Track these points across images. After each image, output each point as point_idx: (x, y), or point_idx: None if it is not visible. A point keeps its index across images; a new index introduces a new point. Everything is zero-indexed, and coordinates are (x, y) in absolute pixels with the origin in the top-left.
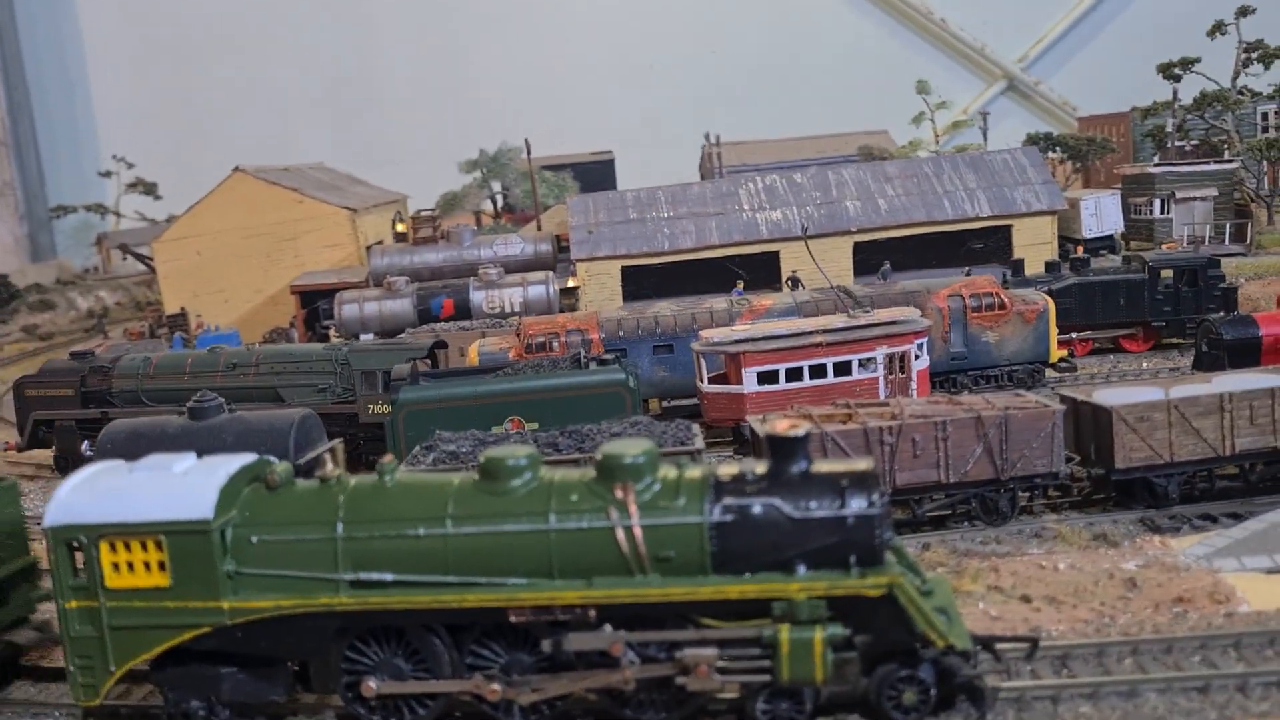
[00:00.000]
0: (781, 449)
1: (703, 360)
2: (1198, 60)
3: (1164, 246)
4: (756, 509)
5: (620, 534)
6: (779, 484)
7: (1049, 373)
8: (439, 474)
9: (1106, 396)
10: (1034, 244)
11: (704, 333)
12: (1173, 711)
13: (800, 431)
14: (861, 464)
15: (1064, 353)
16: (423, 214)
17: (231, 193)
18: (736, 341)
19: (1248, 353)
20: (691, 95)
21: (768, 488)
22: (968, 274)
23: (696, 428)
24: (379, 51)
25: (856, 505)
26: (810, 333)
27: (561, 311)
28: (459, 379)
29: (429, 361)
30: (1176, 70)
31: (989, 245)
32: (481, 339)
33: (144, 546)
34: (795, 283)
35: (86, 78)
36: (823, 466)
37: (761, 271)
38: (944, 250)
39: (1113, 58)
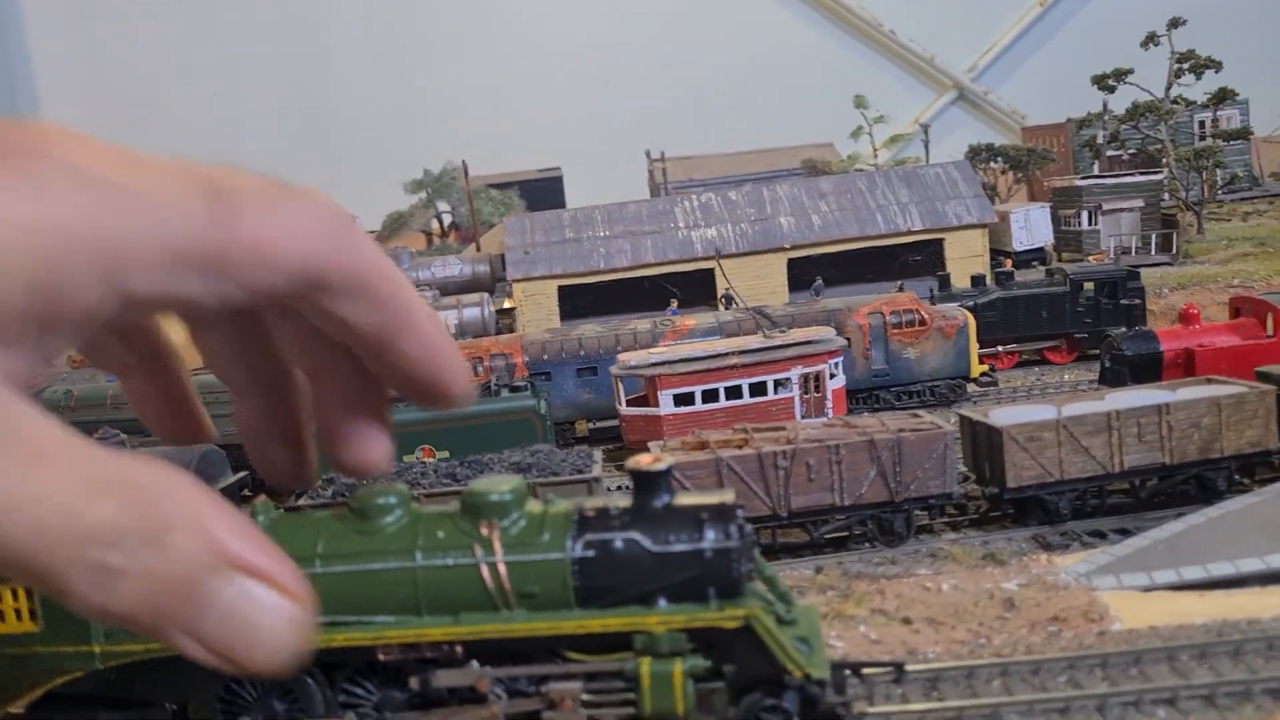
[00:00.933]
0: (644, 483)
1: (620, 384)
2: (1130, 71)
3: (1091, 258)
4: (618, 544)
5: (485, 571)
6: (640, 519)
7: (970, 387)
8: (314, 514)
9: (999, 416)
10: (965, 257)
11: (621, 356)
12: None
13: (662, 466)
14: (722, 497)
15: (985, 367)
16: None
17: None
18: (653, 365)
19: (1149, 368)
20: (644, 110)
21: (629, 522)
22: (900, 288)
23: (597, 454)
24: (330, 73)
25: (714, 538)
26: (726, 354)
27: (500, 332)
28: None
29: None
30: (1110, 82)
31: (924, 259)
32: None
33: (14, 595)
34: (729, 300)
35: (36, 103)
36: (684, 500)
37: (697, 289)
38: (878, 264)
39: (1061, 66)
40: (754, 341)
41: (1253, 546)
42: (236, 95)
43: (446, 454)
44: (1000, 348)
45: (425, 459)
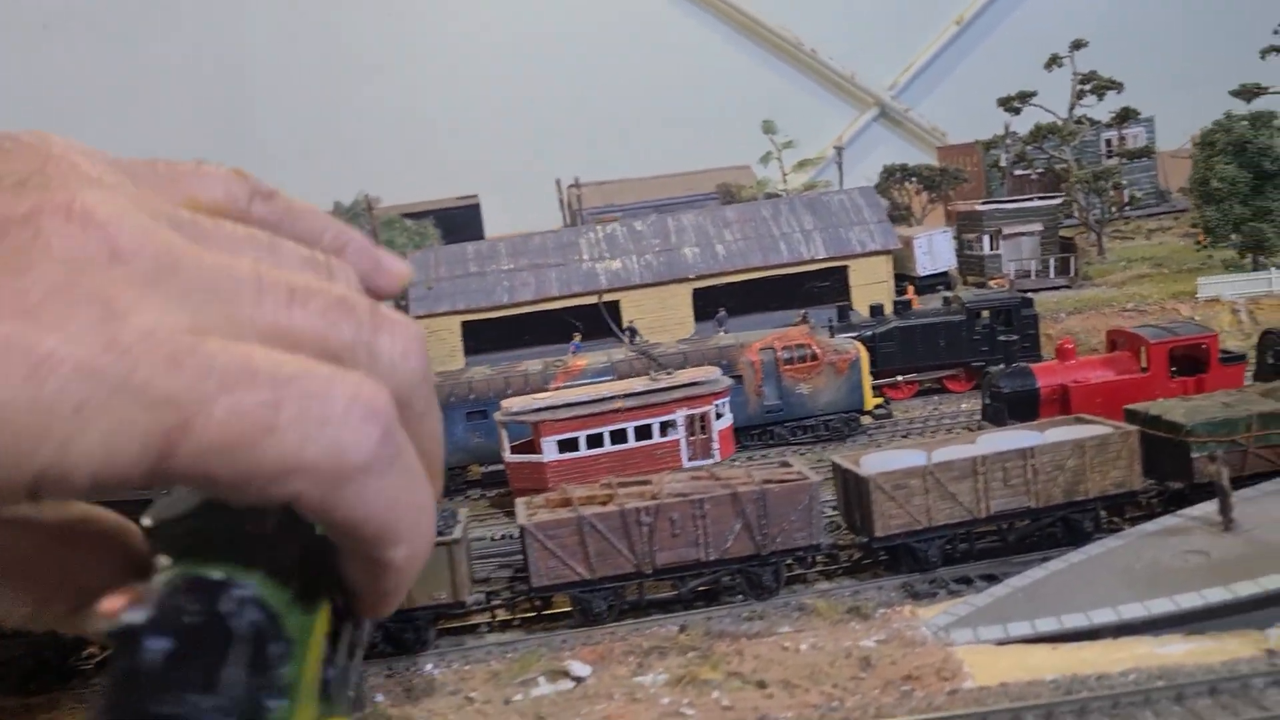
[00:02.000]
0: (118, 640)
1: (505, 430)
2: (1034, 94)
3: (991, 283)
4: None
5: None
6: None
7: (865, 420)
8: None
9: (869, 464)
10: (870, 283)
11: (505, 402)
12: None
13: (138, 617)
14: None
15: (879, 400)
16: None
17: None
18: (536, 410)
19: (1026, 405)
20: (564, 135)
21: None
22: (804, 317)
23: (462, 514)
24: (245, 104)
25: None
26: (610, 398)
27: None
28: None
29: None
30: (1015, 104)
31: (830, 285)
32: None
33: None
34: (633, 333)
35: None
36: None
37: (601, 322)
38: (783, 292)
39: (979, 84)
40: (639, 384)
41: (1109, 595)
42: (149, 127)
43: None
44: (899, 377)
45: None
